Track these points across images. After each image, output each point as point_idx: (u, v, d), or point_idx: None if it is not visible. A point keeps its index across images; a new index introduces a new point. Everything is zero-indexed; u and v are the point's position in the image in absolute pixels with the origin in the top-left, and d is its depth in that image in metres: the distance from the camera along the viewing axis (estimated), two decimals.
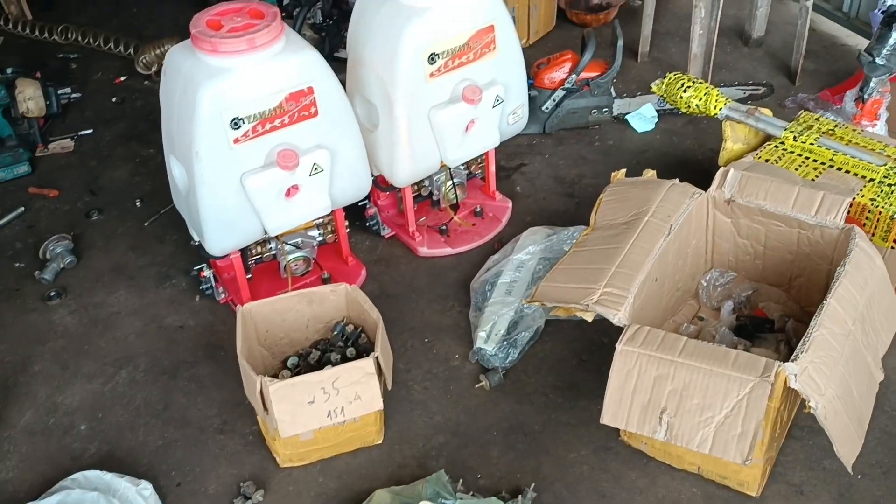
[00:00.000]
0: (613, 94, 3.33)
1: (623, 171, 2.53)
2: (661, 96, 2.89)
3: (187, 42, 2.23)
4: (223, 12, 2.25)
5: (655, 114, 3.34)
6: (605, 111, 3.33)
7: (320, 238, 2.70)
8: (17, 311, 2.72)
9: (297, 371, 2.30)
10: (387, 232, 2.91)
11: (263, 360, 2.33)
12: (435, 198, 2.90)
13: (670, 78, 2.85)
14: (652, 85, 2.94)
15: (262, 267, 2.66)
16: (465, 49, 2.47)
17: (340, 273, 2.76)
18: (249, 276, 2.62)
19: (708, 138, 3.26)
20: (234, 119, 2.18)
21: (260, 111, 2.21)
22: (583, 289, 2.09)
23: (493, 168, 2.95)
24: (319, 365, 2.28)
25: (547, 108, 3.29)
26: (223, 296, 2.68)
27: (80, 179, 3.33)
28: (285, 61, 2.21)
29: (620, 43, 3.21)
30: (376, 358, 2.04)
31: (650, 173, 2.52)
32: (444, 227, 2.89)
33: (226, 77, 2.15)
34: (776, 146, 2.62)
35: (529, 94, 3.23)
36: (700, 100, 2.74)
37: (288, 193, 2.37)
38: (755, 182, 2.35)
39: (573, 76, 3.23)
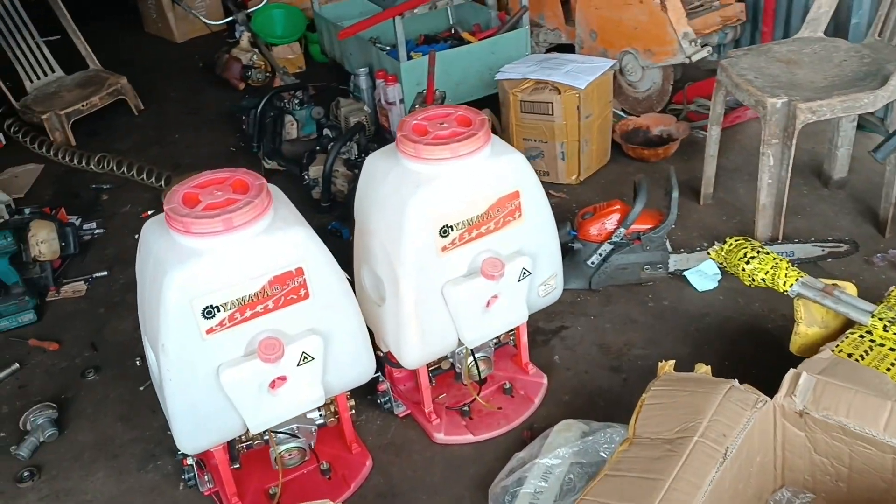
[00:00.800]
0: (669, 248, 2.94)
1: (671, 363, 2.12)
2: (721, 265, 2.49)
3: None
4: (203, 184, 1.98)
5: (718, 271, 2.93)
6: (660, 268, 2.93)
7: (321, 421, 2.35)
8: None
9: None
10: (401, 410, 2.55)
11: None
12: (457, 370, 2.53)
13: (731, 245, 2.45)
14: (710, 251, 2.54)
15: (253, 453, 2.32)
16: (483, 219, 2.14)
17: (342, 463, 2.39)
18: (237, 465, 2.28)
19: (779, 302, 2.82)
20: (206, 308, 1.88)
21: (239, 297, 1.91)
22: None
23: (525, 339, 2.57)
24: None
25: (593, 263, 2.92)
26: (208, 486, 2.34)
27: (85, 330, 3.10)
28: (269, 241, 1.92)
29: (675, 194, 2.84)
30: None
31: (703, 369, 2.10)
32: (466, 408, 2.51)
33: (198, 261, 1.86)
34: (861, 336, 2.17)
35: (573, 247, 2.89)
36: (766, 273, 2.33)
37: (273, 385, 2.04)
38: (834, 392, 1.90)
39: (622, 229, 2.86)
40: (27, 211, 3.38)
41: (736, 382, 1.98)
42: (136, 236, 3.64)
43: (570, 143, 3.53)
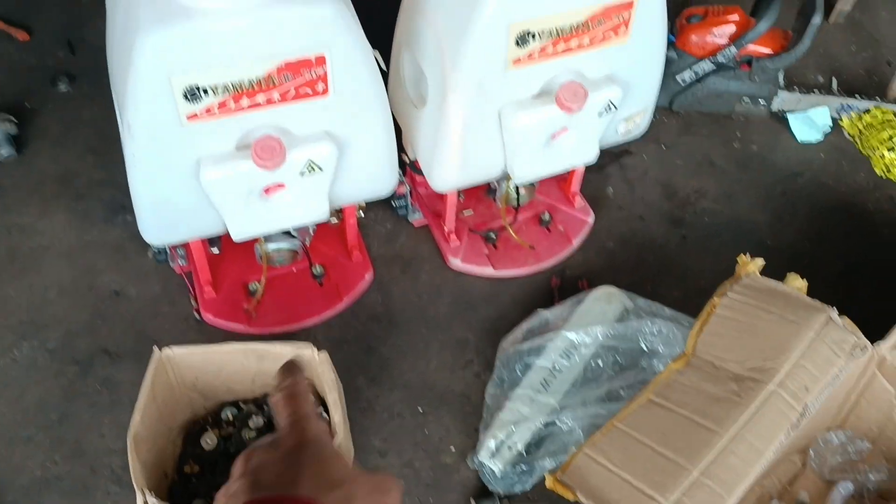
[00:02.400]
0: (781, 82, 2.36)
1: (758, 262, 1.69)
2: (852, 138, 1.96)
3: None
4: None
5: (830, 122, 2.38)
6: (762, 103, 2.38)
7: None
8: None
9: (230, 432, 1.68)
10: (417, 218, 2.15)
11: (191, 403, 1.70)
12: (492, 185, 2.09)
13: (874, 118, 1.90)
14: (843, 116, 1.99)
15: None
16: (579, 30, 1.57)
17: (338, 269, 2.05)
18: (216, 249, 1.93)
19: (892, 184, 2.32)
20: (190, 88, 1.39)
21: (235, 81, 1.41)
22: (644, 495, 1.36)
23: (581, 167, 2.11)
24: (259, 435, 1.66)
25: (684, 81, 2.36)
26: (179, 264, 2.00)
27: (64, 20, 2.57)
28: (285, 14, 1.37)
29: (817, 19, 2.19)
30: None
31: (798, 283, 1.67)
32: (492, 235, 2.11)
33: (184, 24, 1.34)
34: None
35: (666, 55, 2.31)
36: None
37: (267, 191, 1.62)
38: None
39: (733, 48, 2.26)
40: None
41: (835, 313, 1.58)
42: None
43: None
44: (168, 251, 1.95)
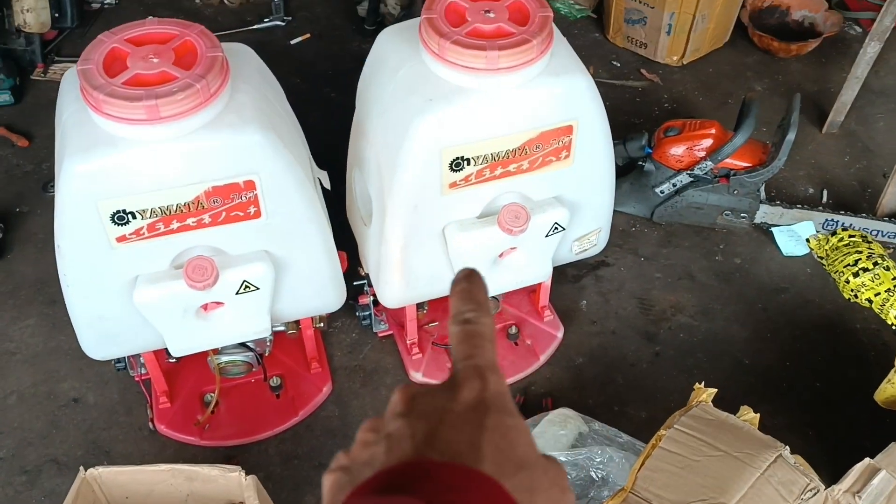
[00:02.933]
0: (762, 195, 2.31)
1: (709, 392, 1.61)
2: (819, 259, 1.89)
3: None
4: (140, 38, 1.44)
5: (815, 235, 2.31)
6: (744, 217, 2.33)
7: (280, 328, 1.95)
8: None
9: None
10: (382, 329, 2.13)
11: None
12: None
13: (840, 240, 1.84)
14: (809, 237, 1.93)
15: None
16: (515, 155, 1.57)
17: (296, 381, 2.02)
18: (172, 359, 1.93)
19: None
20: (117, 212, 1.42)
21: (163, 205, 1.43)
22: None
23: (548, 280, 2.07)
24: None
25: (662, 193, 2.33)
26: (139, 372, 2.00)
27: None
28: (210, 142, 1.40)
29: (792, 135, 2.15)
30: None
31: (749, 416, 1.59)
32: None
33: (109, 152, 1.37)
34: None
35: (642, 166, 2.30)
36: (878, 296, 1.75)
37: (206, 308, 1.62)
38: None
39: (709, 162, 2.23)
40: None
41: (786, 450, 1.49)
42: (151, 16, 3.16)
43: (682, 14, 2.77)
44: (127, 359, 1.96)
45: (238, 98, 1.44)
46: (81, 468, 1.53)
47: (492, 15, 1.49)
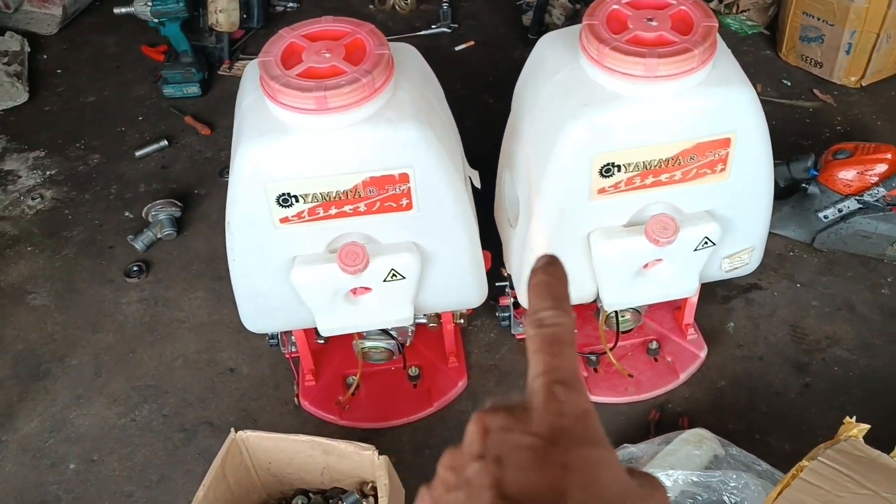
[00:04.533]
0: None
1: (862, 428, 1.52)
2: None
3: None
4: (315, 35, 1.54)
5: None
6: None
7: (422, 321, 2.02)
8: (98, 276, 2.40)
9: None
10: (520, 331, 2.14)
11: (266, 486, 1.78)
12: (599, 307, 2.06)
13: None
14: None
15: None
16: (668, 165, 1.55)
17: (434, 373, 2.08)
18: (322, 340, 2.04)
19: None
20: (282, 195, 1.52)
21: (323, 191, 1.53)
22: None
23: (694, 297, 2.02)
24: None
25: (826, 218, 2.21)
26: (290, 350, 2.13)
27: None
28: (371, 134, 1.48)
29: None
30: None
31: None
32: (593, 357, 2.07)
33: (280, 138, 1.48)
34: None
35: (806, 188, 2.20)
36: None
37: (355, 292, 1.71)
38: None
39: (882, 188, 2.10)
40: None
41: None
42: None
43: (864, 32, 2.62)
44: (280, 337, 2.09)
45: (400, 95, 1.52)
46: (233, 430, 1.66)
47: (654, 23, 1.48)
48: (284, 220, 1.56)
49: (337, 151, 1.49)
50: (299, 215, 1.56)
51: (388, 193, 1.54)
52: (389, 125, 1.48)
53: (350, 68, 1.46)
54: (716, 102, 1.49)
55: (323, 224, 1.58)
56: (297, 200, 1.53)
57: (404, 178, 1.52)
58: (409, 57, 1.65)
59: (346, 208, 1.56)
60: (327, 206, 1.55)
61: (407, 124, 1.48)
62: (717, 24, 1.48)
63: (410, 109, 1.50)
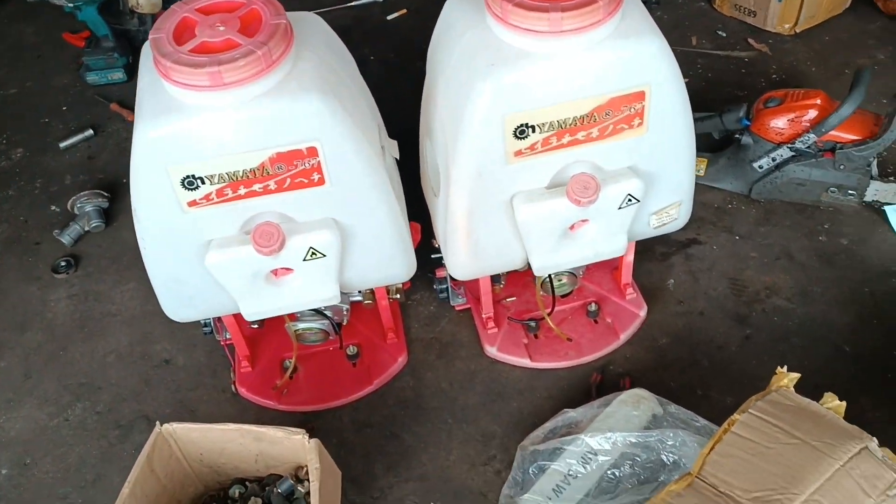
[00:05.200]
0: (874, 172, 2.14)
1: (792, 376, 1.51)
2: None
3: None
4: (209, 7, 1.48)
5: None
6: (852, 194, 2.16)
7: (357, 298, 1.98)
8: (23, 273, 2.33)
9: None
10: (459, 302, 2.11)
11: (202, 477, 1.74)
12: None
13: None
14: None
15: None
16: (584, 122, 1.51)
17: (374, 350, 2.04)
18: (256, 324, 1.99)
19: None
20: (187, 177, 1.46)
21: (230, 171, 1.47)
22: None
23: (630, 255, 1.99)
24: None
25: (761, 168, 2.19)
26: (225, 337, 2.07)
27: None
28: (272, 108, 1.42)
29: None
30: None
31: (833, 403, 1.47)
32: (533, 323, 2.04)
33: (177, 118, 1.42)
34: None
35: (740, 139, 2.18)
36: None
37: (276, 273, 1.66)
38: None
39: (812, 135, 2.08)
40: None
41: (873, 443, 1.37)
42: None
43: None
44: (213, 324, 2.03)
45: (301, 66, 1.46)
46: (157, 423, 1.61)
47: None
48: (192, 203, 1.50)
49: (237, 128, 1.43)
50: (207, 197, 1.50)
51: (297, 169, 1.49)
52: (291, 97, 1.42)
53: (245, 40, 1.39)
54: (626, 55, 1.45)
55: (233, 205, 1.52)
56: (202, 182, 1.47)
57: (312, 151, 1.47)
58: (311, 25, 1.59)
59: (256, 187, 1.50)
60: (235, 186, 1.49)
61: (310, 95, 1.43)
62: None
63: (313, 80, 1.45)
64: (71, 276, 2.31)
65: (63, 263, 2.31)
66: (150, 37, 1.44)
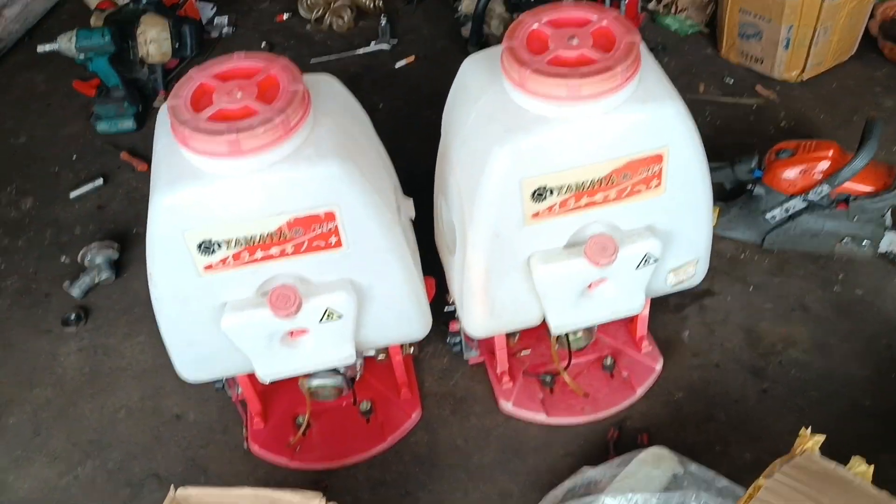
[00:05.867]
0: (888, 222, 2.13)
1: (817, 439, 1.48)
2: None
3: None
4: (227, 74, 1.48)
5: None
6: (866, 245, 2.15)
7: (370, 354, 1.96)
8: (33, 326, 2.31)
9: None
10: (473, 356, 2.09)
11: None
12: None
13: None
14: None
15: None
16: (602, 185, 1.50)
17: (386, 406, 2.02)
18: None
19: None
20: (203, 242, 1.46)
21: (246, 236, 1.47)
22: None
23: (645, 310, 1.98)
24: None
25: (773, 219, 2.19)
26: (236, 393, 2.05)
27: None
28: (290, 174, 1.42)
29: None
30: None
31: (861, 467, 1.45)
32: (548, 378, 2.02)
33: (193, 185, 1.41)
34: None
35: (751, 190, 2.17)
36: None
37: (291, 334, 1.64)
38: None
39: (826, 186, 2.08)
40: (144, 1, 2.99)
41: None
42: (263, 45, 3.26)
43: (802, 27, 2.61)
44: (225, 380, 2.02)
45: (318, 131, 1.46)
46: (172, 487, 1.58)
47: (575, 41, 1.44)
48: (208, 267, 1.49)
49: (256, 194, 1.42)
50: (224, 261, 1.49)
51: (314, 233, 1.48)
52: (309, 163, 1.42)
53: (263, 108, 1.40)
54: (644, 118, 1.45)
55: (250, 268, 1.52)
56: (219, 247, 1.47)
57: (330, 216, 1.46)
58: (327, 87, 1.59)
59: (273, 251, 1.50)
60: (252, 250, 1.49)
61: (327, 161, 1.42)
62: (638, 39, 1.43)
63: (330, 145, 1.45)
64: (80, 329, 2.29)
65: (73, 316, 2.30)
66: (167, 104, 1.44)
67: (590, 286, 1.66)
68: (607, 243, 1.55)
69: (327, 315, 1.58)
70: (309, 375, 1.91)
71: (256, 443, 1.99)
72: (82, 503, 1.93)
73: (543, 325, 1.89)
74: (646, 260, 1.60)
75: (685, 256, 1.70)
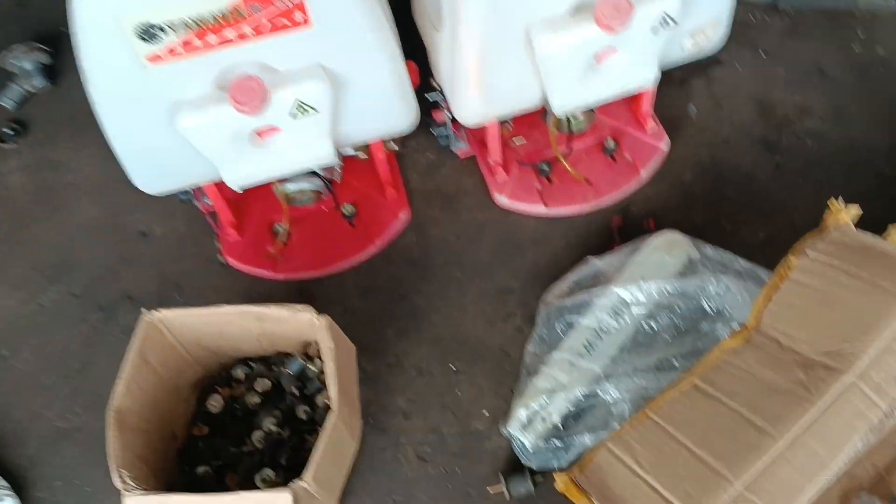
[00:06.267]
0: None
1: (852, 210, 1.36)
2: None
3: None
4: None
5: None
6: None
7: (350, 153, 1.77)
8: None
9: (241, 391, 1.57)
10: (462, 148, 1.90)
11: (200, 360, 1.59)
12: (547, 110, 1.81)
13: None
14: None
15: None
16: None
17: (372, 208, 1.85)
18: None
19: None
20: (143, 27, 1.20)
21: (195, 16, 1.21)
22: None
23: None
24: (265, 400, 1.55)
25: None
26: (205, 203, 1.86)
27: None
28: None
29: None
30: (298, 490, 1.26)
31: None
32: (545, 167, 1.85)
33: None
34: None
35: None
36: None
37: (260, 134, 1.43)
38: None
39: None
40: None
41: None
42: None
43: None
44: (191, 190, 1.82)
45: None
46: (143, 310, 1.43)
47: None
48: (154, 58, 1.25)
49: None
50: (171, 50, 1.25)
51: (276, 8, 1.23)
52: None
53: None
54: None
55: (204, 57, 1.27)
56: (162, 31, 1.22)
57: None
58: None
59: (229, 33, 1.25)
60: (203, 35, 1.24)
61: None
62: None
63: None
64: (20, 144, 2.05)
65: (10, 131, 2.04)
66: None
67: (598, 59, 1.45)
68: (621, 4, 1.32)
69: (299, 108, 1.36)
70: (284, 180, 1.72)
71: (232, 255, 1.83)
72: (51, 331, 1.79)
73: (539, 110, 1.69)
74: (663, 22, 1.38)
75: (705, 16, 1.48)
